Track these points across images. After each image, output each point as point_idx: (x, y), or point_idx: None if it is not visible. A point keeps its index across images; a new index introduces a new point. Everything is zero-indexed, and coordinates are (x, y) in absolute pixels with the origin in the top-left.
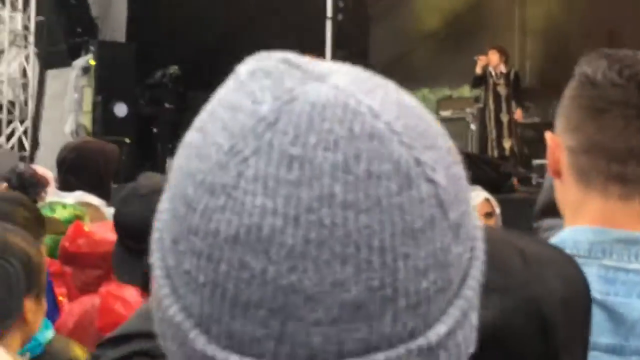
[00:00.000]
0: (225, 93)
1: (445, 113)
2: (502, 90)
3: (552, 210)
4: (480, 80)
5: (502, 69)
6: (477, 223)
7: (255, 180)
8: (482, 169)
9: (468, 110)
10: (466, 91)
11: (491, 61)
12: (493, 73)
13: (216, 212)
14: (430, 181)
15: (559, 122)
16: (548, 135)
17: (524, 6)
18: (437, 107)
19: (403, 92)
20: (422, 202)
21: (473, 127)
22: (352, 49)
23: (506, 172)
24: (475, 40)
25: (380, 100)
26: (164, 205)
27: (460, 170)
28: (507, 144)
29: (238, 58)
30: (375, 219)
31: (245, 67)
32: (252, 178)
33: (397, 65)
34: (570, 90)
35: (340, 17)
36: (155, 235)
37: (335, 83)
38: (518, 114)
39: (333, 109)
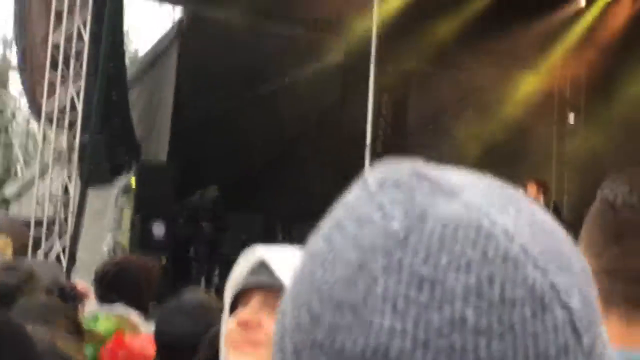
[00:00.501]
0: (354, 203)
1: None
2: None
3: None
4: None
5: (541, 201)
6: (606, 341)
7: (384, 299)
8: None
9: None
10: None
11: (529, 193)
12: None
13: (342, 330)
14: (565, 307)
15: (580, 246)
16: None
17: (563, 138)
18: None
19: (535, 204)
20: (557, 329)
21: None
22: None
23: None
24: (513, 171)
25: (514, 219)
26: (286, 307)
27: (593, 292)
28: None
29: (277, 181)
30: (509, 345)
31: (374, 177)
32: (380, 297)
33: None
34: (591, 214)
35: (379, 146)
36: (275, 337)
37: (467, 200)
38: None
39: (465, 230)
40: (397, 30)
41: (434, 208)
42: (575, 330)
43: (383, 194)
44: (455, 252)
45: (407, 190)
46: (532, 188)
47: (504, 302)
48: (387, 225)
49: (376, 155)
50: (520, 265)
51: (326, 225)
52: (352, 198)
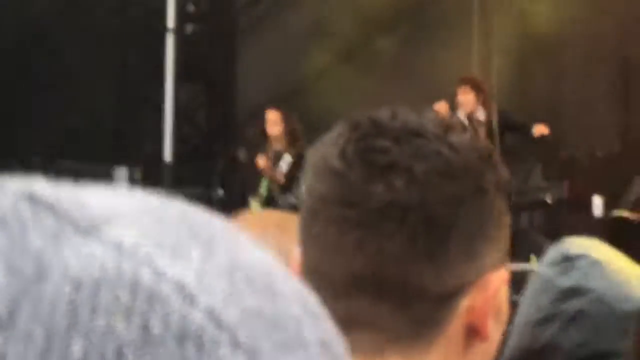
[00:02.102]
0: None
1: None
2: None
3: None
4: None
5: (481, 114)
6: None
7: None
8: None
9: None
10: None
11: (464, 104)
12: (466, 122)
13: None
14: None
15: None
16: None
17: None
18: None
19: (244, 231)
20: None
21: None
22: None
23: None
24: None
25: (198, 268)
26: None
27: None
28: None
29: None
30: None
31: None
32: None
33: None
34: None
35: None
36: None
37: (117, 239)
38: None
39: (112, 290)
40: None
41: (59, 257)
42: None
43: None
44: (96, 332)
45: (15, 231)
46: (467, 96)
47: None
48: None
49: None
50: (210, 346)
51: None
52: None
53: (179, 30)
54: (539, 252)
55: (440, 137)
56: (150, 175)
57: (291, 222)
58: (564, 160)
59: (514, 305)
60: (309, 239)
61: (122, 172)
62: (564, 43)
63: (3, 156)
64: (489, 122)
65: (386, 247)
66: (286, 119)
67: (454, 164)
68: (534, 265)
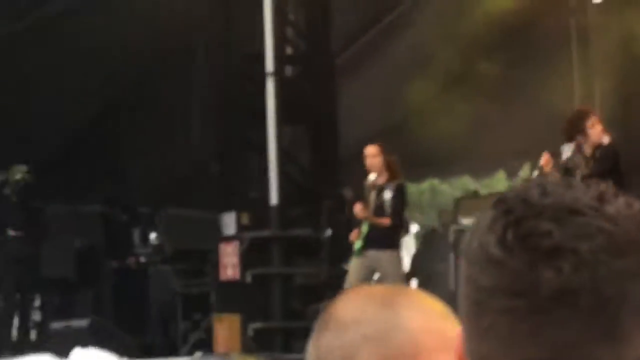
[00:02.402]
0: None
1: (468, 220)
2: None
3: None
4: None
5: (606, 139)
6: None
7: None
8: None
9: None
10: (501, 182)
11: (593, 135)
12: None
13: None
14: None
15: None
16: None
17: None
18: (454, 211)
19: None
20: None
21: None
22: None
23: None
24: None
25: None
26: None
27: None
28: None
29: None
30: None
31: None
32: None
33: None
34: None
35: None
36: None
37: None
38: None
39: None
40: None
41: None
42: None
43: None
44: None
45: None
46: (597, 128)
47: None
48: None
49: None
50: None
51: None
52: None
53: (278, 73)
54: None
55: (598, 209)
56: (258, 219)
57: (396, 297)
58: None
59: None
60: (478, 332)
61: (230, 217)
62: None
63: (112, 206)
64: (612, 146)
65: (561, 334)
66: (384, 152)
67: (617, 238)
68: None
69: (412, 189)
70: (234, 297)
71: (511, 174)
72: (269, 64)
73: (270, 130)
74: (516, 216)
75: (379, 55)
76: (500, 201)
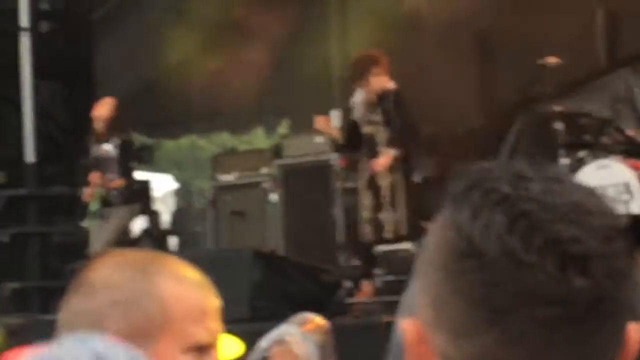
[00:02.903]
0: None
1: (227, 177)
2: (375, 129)
3: None
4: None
5: (391, 84)
6: None
7: None
8: (295, 281)
9: (264, 170)
10: (260, 138)
11: (373, 82)
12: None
13: None
14: None
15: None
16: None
17: None
18: (212, 167)
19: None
20: None
21: (274, 198)
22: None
23: (331, 282)
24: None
25: None
26: None
27: None
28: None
29: None
30: None
31: None
32: None
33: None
34: (434, 254)
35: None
36: None
37: None
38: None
39: None
40: None
41: None
42: None
43: None
44: None
45: None
46: (379, 79)
47: None
48: None
49: (40, 44)
50: None
51: None
52: None
53: (33, 28)
54: None
55: (604, 209)
56: (14, 177)
57: (151, 263)
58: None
59: None
60: (496, 337)
61: None
62: (420, 20)
63: None
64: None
65: (597, 342)
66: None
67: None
68: None
69: (171, 145)
70: None
71: (270, 130)
72: (24, 20)
73: (25, 87)
74: (537, 219)
75: (137, 10)
76: (491, 191)
